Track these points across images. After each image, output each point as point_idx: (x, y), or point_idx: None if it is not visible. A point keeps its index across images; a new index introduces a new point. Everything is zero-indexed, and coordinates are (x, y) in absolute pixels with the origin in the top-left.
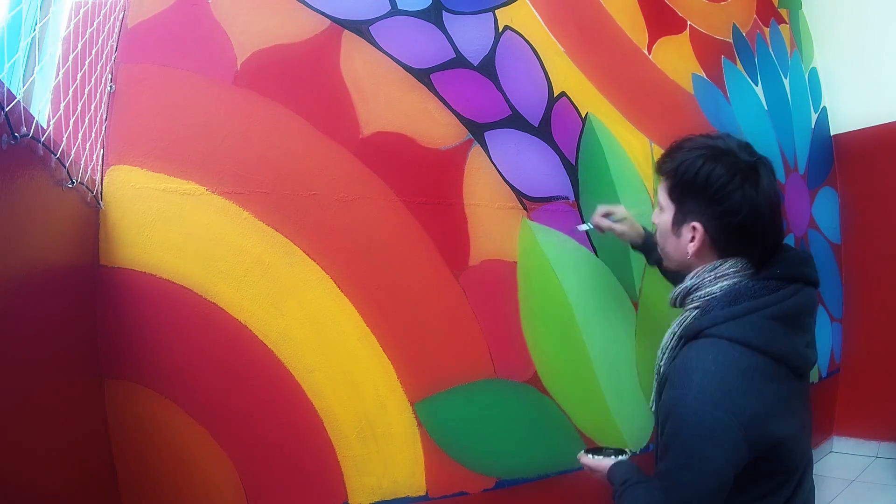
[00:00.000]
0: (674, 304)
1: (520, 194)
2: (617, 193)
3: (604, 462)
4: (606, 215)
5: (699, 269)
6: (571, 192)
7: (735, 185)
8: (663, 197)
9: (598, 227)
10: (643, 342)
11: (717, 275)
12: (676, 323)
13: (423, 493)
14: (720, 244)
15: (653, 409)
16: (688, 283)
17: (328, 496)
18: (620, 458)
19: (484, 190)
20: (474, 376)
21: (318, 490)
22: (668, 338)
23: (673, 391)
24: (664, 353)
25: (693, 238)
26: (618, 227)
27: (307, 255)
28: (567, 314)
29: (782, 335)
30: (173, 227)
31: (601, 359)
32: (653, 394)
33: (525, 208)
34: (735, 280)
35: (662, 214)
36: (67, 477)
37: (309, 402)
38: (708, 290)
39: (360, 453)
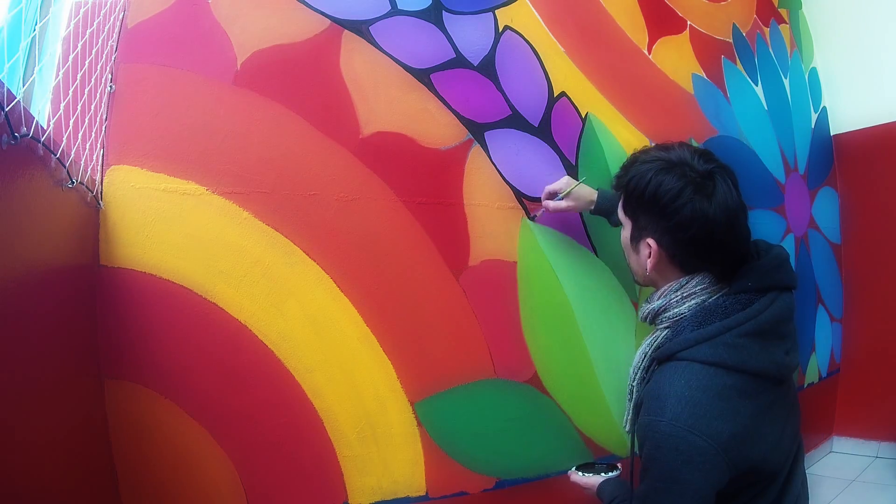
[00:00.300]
0: (644, 321)
1: (520, 194)
2: None
3: (593, 479)
4: (552, 196)
5: (665, 287)
6: None
7: (685, 197)
8: (620, 213)
9: (547, 210)
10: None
11: (684, 294)
12: (647, 342)
13: (423, 493)
14: (678, 260)
15: (626, 428)
16: (655, 303)
17: (328, 496)
18: (611, 474)
19: (484, 190)
20: (474, 376)
21: (318, 490)
22: (639, 357)
23: (647, 417)
24: (636, 374)
25: (650, 254)
26: (563, 204)
27: (307, 255)
28: (567, 314)
29: (758, 350)
30: (173, 227)
31: (601, 359)
32: (626, 413)
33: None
34: (703, 298)
35: (623, 231)
36: (68, 477)
37: (309, 402)
38: (676, 310)
39: (360, 453)
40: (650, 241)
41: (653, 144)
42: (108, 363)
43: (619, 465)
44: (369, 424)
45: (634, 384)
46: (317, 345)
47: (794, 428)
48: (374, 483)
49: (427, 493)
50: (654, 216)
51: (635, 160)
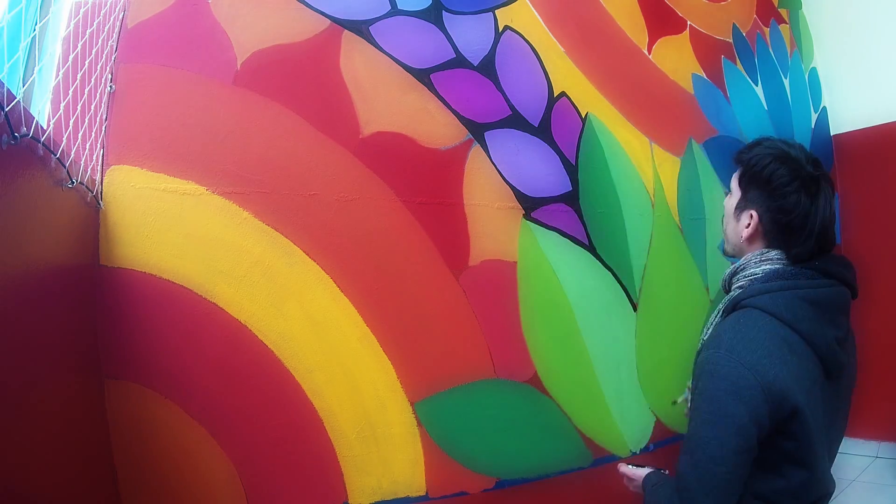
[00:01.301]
0: (723, 288)
1: (520, 194)
2: (617, 194)
3: (640, 471)
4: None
5: (749, 254)
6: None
7: (793, 188)
8: (734, 182)
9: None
10: (643, 342)
11: (762, 258)
12: (722, 303)
13: (423, 492)
14: (769, 235)
15: (686, 396)
16: (738, 262)
17: (328, 496)
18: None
19: (484, 190)
20: (474, 376)
21: (318, 490)
22: (713, 316)
23: (705, 353)
24: (707, 330)
25: (749, 224)
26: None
27: (307, 255)
28: (567, 314)
29: (812, 317)
30: (173, 227)
31: (601, 359)
32: (689, 382)
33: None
34: (777, 266)
35: (730, 199)
36: (67, 476)
37: (309, 402)
38: (752, 270)
39: (360, 453)
40: (753, 212)
41: (652, 143)
42: (109, 363)
43: (665, 470)
44: (369, 424)
45: (704, 338)
46: (317, 345)
47: (838, 431)
48: (374, 483)
49: (427, 493)
50: (764, 194)
51: (759, 143)
